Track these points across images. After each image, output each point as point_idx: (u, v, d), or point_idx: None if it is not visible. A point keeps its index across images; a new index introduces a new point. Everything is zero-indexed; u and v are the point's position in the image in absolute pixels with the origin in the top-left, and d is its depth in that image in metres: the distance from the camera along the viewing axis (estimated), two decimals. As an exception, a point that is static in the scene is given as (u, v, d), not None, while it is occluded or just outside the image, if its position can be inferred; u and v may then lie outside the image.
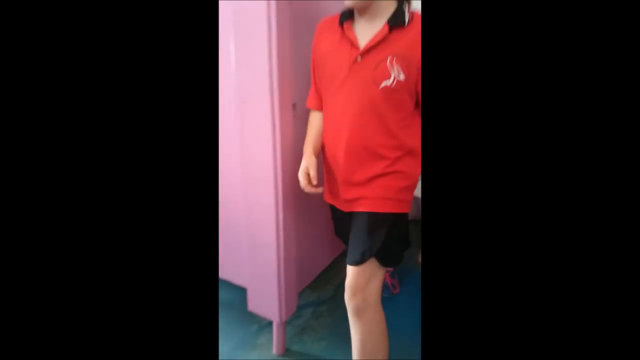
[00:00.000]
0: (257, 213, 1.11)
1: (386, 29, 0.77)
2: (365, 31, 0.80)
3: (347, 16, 0.82)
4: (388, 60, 0.77)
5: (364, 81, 0.79)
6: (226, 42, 1.01)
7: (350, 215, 0.92)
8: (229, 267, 1.28)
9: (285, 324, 1.26)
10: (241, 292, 1.38)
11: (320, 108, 0.92)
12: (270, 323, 1.30)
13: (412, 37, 0.76)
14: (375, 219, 0.86)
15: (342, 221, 0.99)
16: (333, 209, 1.01)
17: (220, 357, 1.15)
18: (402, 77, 0.77)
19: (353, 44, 0.80)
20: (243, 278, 1.25)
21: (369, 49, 0.79)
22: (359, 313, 0.88)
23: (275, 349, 1.25)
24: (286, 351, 1.26)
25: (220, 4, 0.84)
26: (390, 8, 0.78)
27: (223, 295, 1.44)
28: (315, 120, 0.93)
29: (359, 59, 0.80)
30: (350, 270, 0.88)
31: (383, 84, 0.78)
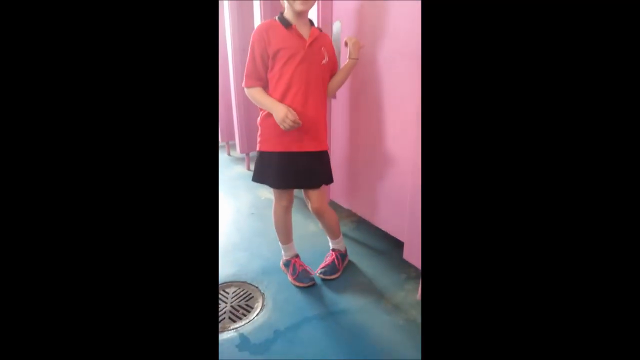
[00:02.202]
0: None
1: (317, 31, 1.34)
2: (303, 31, 1.31)
3: (288, 22, 1.29)
4: (322, 49, 1.34)
5: (315, 59, 1.33)
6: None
7: (306, 155, 1.36)
8: (390, 222, 1.58)
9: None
10: (397, 243, 1.57)
11: (259, 85, 1.34)
12: (418, 275, 1.46)
13: (326, 38, 1.39)
14: (326, 154, 1.43)
15: (296, 165, 1.37)
16: (286, 157, 1.36)
17: (376, 289, 1.46)
18: (326, 59, 1.35)
19: (301, 38, 1.30)
20: (401, 233, 1.52)
21: (312, 42, 1.30)
22: (322, 214, 1.50)
23: (419, 295, 1.45)
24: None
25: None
26: (307, 21, 1.35)
27: (382, 245, 1.77)
28: (262, 91, 1.34)
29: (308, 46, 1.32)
30: (315, 192, 1.45)
31: (323, 62, 1.35)
